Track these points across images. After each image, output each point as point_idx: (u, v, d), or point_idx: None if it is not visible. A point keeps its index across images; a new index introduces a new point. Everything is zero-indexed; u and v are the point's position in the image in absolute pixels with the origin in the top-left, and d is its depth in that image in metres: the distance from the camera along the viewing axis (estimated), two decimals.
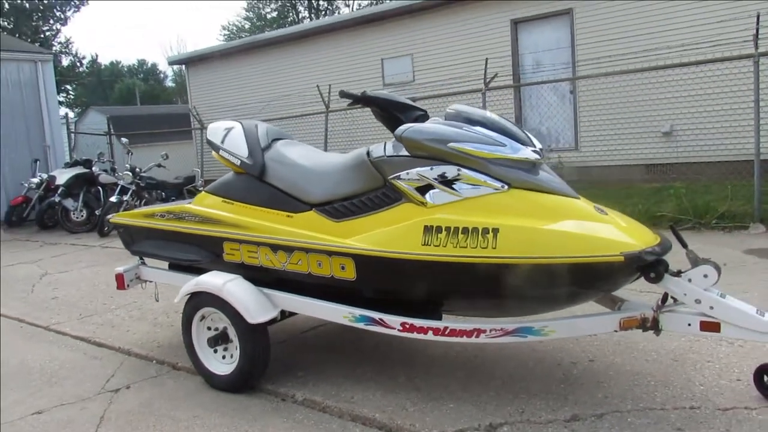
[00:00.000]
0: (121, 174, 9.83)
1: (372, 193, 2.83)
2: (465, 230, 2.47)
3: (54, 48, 46.26)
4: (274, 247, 2.95)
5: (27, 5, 42.97)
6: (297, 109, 11.15)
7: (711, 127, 8.31)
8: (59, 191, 10.09)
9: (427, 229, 2.54)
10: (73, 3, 44.98)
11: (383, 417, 2.61)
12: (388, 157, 2.78)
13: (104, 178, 10.45)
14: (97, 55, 61.46)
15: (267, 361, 3.02)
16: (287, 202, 3.09)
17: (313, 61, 12.62)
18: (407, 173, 2.69)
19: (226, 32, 41.00)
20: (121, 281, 3.65)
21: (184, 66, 15.20)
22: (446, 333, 2.58)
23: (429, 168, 2.66)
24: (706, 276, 2.40)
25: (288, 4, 39.49)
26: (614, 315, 2.57)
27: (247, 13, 41.14)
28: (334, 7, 38.15)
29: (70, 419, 2.87)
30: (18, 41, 13.67)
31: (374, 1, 34.41)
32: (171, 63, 15.67)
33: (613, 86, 8.83)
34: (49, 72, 12.24)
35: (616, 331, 2.55)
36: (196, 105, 14.29)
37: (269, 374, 3.11)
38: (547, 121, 9.98)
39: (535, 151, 2.69)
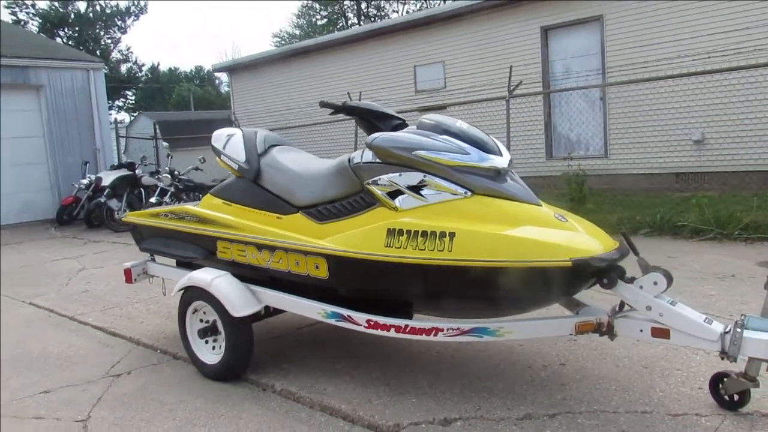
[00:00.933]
0: (161, 176, 10.31)
1: (352, 197, 3.01)
2: (424, 234, 2.61)
3: (114, 56, 48.49)
4: (259, 246, 3.16)
5: (91, 15, 45.10)
6: (328, 116, 11.43)
7: (744, 136, 8.12)
8: (105, 192, 10.67)
9: (390, 232, 2.70)
10: (133, 12, 46.96)
11: (348, 408, 2.77)
12: (364, 163, 2.95)
13: (146, 180, 10.97)
14: (158, 63, 63.73)
15: (250, 353, 3.22)
16: (278, 204, 3.30)
17: (346, 68, 12.90)
18: (380, 179, 2.86)
19: (278, 39, 42.04)
20: (128, 275, 3.93)
21: (227, 73, 15.76)
22: (407, 331, 2.72)
23: (398, 174, 2.81)
24: (656, 283, 2.46)
25: (338, 12, 40.17)
26: (570, 319, 2.66)
27: (298, 20, 42.09)
28: (383, 13, 38.59)
29: (72, 399, 3.15)
30: (72, 50, 14.49)
31: (423, 6, 34.70)
32: (215, 70, 16.26)
33: (643, 93, 8.74)
34: (100, 79, 12.93)
35: (571, 334, 2.64)
36: (238, 111, 14.80)
37: (256, 365, 3.32)
38: (576, 128, 9.92)
39: (501, 161, 2.81)
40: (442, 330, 2.66)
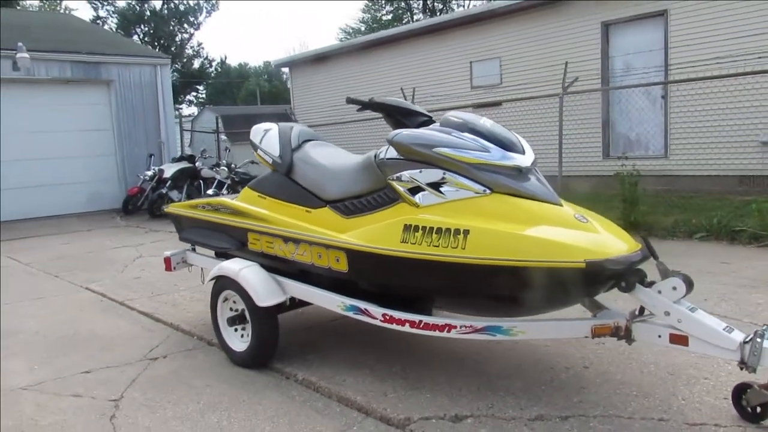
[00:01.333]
0: (219, 169, 10.67)
1: (377, 192, 3.05)
2: (439, 230, 2.62)
3: (187, 51, 50.33)
4: (285, 239, 3.25)
5: (165, 12, 46.94)
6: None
7: None
8: (167, 183, 11.15)
9: (407, 228, 2.72)
10: (205, 8, 48.54)
11: (363, 400, 2.82)
12: (387, 159, 2.98)
13: (205, 172, 11.38)
14: (225, 57, 65.62)
15: (275, 343, 3.32)
16: (308, 198, 3.38)
17: (402, 64, 12.93)
18: (402, 175, 2.89)
19: (344, 34, 42.46)
20: (168, 264, 4.12)
21: (288, 69, 16.10)
22: (421, 326, 2.74)
23: (419, 171, 2.83)
24: (675, 288, 2.39)
25: (403, 7, 40.24)
26: (587, 321, 2.61)
27: (364, 15, 42.40)
28: (448, 7, 38.35)
29: (109, 379, 3.34)
30: (141, 46, 15.14)
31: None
32: (277, 66, 16.63)
33: (708, 91, 8.34)
34: (167, 74, 13.48)
35: (587, 337, 2.58)
36: (297, 105, 15.09)
37: (283, 354, 3.43)
38: (636, 126, 9.59)
39: (524, 159, 2.78)
40: (455, 327, 2.67)
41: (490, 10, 11.19)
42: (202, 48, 56.17)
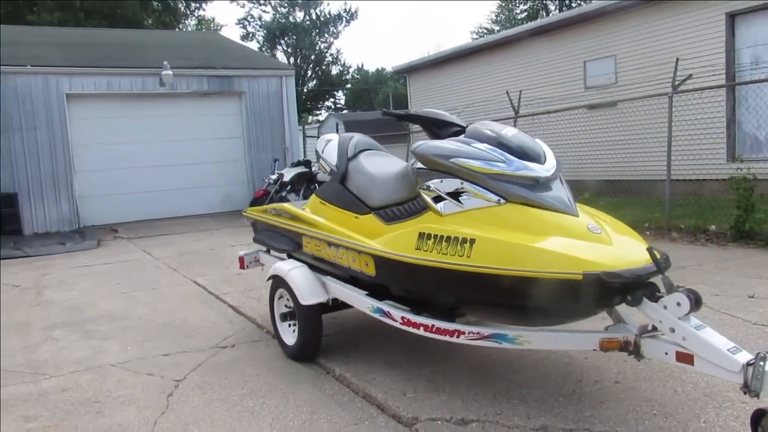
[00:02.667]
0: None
1: (412, 200, 3.19)
2: (449, 239, 2.72)
3: (326, 59, 52.88)
4: (328, 243, 3.50)
5: (307, 23, 49.66)
6: (492, 115, 11.44)
7: None
8: (287, 187, 11.95)
9: (421, 236, 2.84)
10: (344, 18, 50.67)
11: (382, 397, 2.98)
12: (417, 169, 3.12)
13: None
14: (362, 64, 67.85)
15: (317, 339, 3.57)
16: (357, 205, 3.60)
17: (514, 66, 12.74)
18: (427, 184, 3.01)
19: (475, 35, 42.25)
20: (241, 262, 4.54)
21: (406, 75, 16.48)
22: (434, 330, 2.85)
23: (440, 180, 2.94)
24: (679, 304, 2.29)
25: (538, 5, 39.27)
26: (596, 334, 2.57)
27: (497, 17, 41.92)
28: (583, 2, 36.81)
29: (180, 362, 3.79)
30: (269, 59, 16.29)
31: None
32: (395, 72, 17.07)
33: None
34: (291, 85, 14.40)
35: (595, 350, 2.55)
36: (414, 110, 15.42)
37: (331, 351, 3.68)
38: (767, 125, 8.69)
39: (541, 170, 2.78)
40: (464, 333, 2.74)
41: (603, 8, 10.68)
42: (341, 55, 58.57)
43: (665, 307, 2.33)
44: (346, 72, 54.87)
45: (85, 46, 14.30)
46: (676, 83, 7.48)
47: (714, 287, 4.73)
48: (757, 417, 2.28)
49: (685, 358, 2.30)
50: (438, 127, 3.31)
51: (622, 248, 2.52)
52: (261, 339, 4.18)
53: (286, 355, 3.74)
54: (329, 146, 4.00)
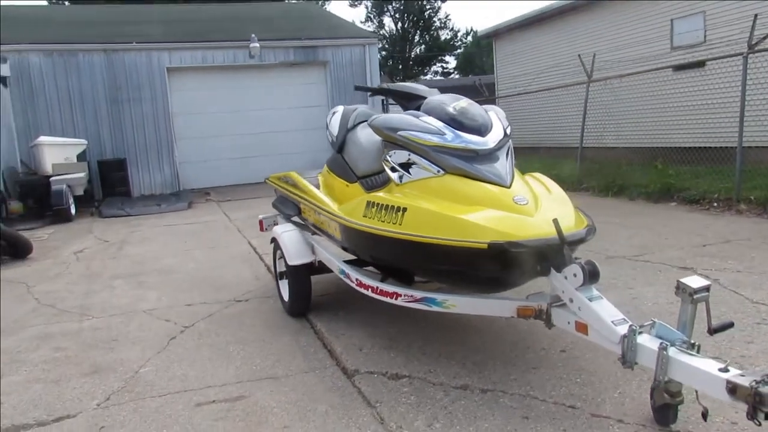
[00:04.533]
0: None
1: (384, 171, 3.40)
2: (387, 207, 2.91)
3: (434, 24, 52.27)
4: (315, 210, 3.78)
5: None
6: (567, 79, 11.02)
7: None
8: None
9: (368, 204, 3.05)
10: None
11: (340, 351, 3.27)
12: (383, 141, 3.31)
13: None
14: (471, 28, 66.30)
15: (306, 297, 3.90)
16: (348, 174, 3.85)
17: (597, 27, 12.09)
18: (386, 156, 3.21)
19: None
20: (261, 225, 4.94)
21: (492, 39, 16.11)
22: (378, 292, 3.07)
23: (393, 152, 3.12)
24: (575, 275, 2.36)
25: None
26: (513, 302, 2.68)
27: None
28: None
29: (196, 312, 4.28)
30: (353, 28, 16.52)
31: None
32: (481, 36, 16.72)
33: None
34: (374, 52, 14.66)
35: (513, 317, 2.66)
36: (500, 75, 15.12)
37: (325, 309, 3.99)
38: None
39: (481, 142, 2.88)
40: (401, 295, 2.95)
41: None
42: (449, 20, 57.66)
43: (566, 278, 2.40)
44: (455, 36, 54.01)
45: (183, 23, 15.38)
46: (753, 42, 6.89)
47: (743, 263, 4.51)
48: (652, 390, 2.32)
49: (582, 327, 2.37)
50: (407, 100, 3.46)
51: (539, 220, 2.59)
52: (272, 296, 4.58)
53: (284, 310, 4.11)
54: (334, 117, 4.25)
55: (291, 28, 15.05)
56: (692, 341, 2.06)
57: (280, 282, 4.22)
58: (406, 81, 24.50)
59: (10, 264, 6.58)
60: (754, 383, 1.73)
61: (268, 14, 16.64)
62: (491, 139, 2.91)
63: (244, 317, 4.08)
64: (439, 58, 54.11)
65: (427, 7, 51.33)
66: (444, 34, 53.20)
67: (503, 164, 2.87)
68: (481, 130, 2.94)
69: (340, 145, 4.01)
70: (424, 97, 3.41)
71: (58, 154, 10.97)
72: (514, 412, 2.47)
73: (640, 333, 2.14)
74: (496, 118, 3.11)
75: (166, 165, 13.48)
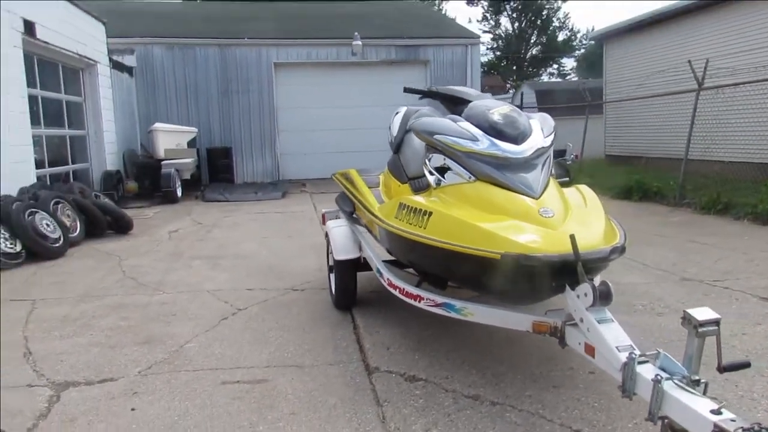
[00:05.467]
0: None
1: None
2: (415, 210, 2.93)
3: (552, 24, 50.63)
4: (363, 207, 3.87)
5: None
6: (677, 86, 10.30)
7: None
8: None
9: (399, 206, 3.09)
10: None
11: (368, 347, 3.35)
12: (425, 144, 3.34)
13: None
14: (593, 28, 63.52)
15: (351, 293, 3.99)
16: (401, 174, 3.92)
17: (713, 31, 11.18)
18: (425, 160, 3.24)
19: None
20: (323, 219, 5.08)
21: (602, 42, 15.37)
22: (403, 293, 3.11)
23: (432, 156, 3.15)
24: (586, 295, 2.26)
25: None
26: (530, 316, 2.61)
27: None
28: None
29: (253, 297, 4.51)
30: (456, 27, 16.39)
31: None
32: (590, 38, 16.00)
33: None
34: (477, 53, 14.53)
35: (528, 331, 2.60)
36: (609, 80, 14.45)
37: (370, 306, 4.08)
38: None
39: (514, 150, 2.83)
40: (423, 299, 2.96)
41: None
42: (568, 19, 55.57)
43: (578, 297, 2.31)
44: (573, 37, 51.99)
45: (291, 19, 16.03)
46: None
47: None
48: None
49: (590, 350, 2.27)
50: (454, 104, 3.45)
51: (561, 234, 2.50)
52: (328, 288, 4.72)
53: (332, 303, 4.24)
54: (396, 117, 4.33)
55: (394, 27, 15.25)
56: (697, 377, 1.92)
57: (330, 275, 4.35)
58: (520, 82, 24.09)
59: (113, 238, 7.25)
60: (740, 430, 1.59)
61: (372, 12, 16.95)
62: (527, 148, 2.85)
63: (294, 306, 4.24)
64: (556, 59, 52.31)
65: (546, 6, 49.78)
66: (562, 35, 51.37)
67: (536, 174, 2.80)
68: (518, 138, 2.88)
69: (397, 146, 4.06)
70: (468, 100, 3.40)
71: (171, 140, 11.87)
72: (515, 429, 2.42)
73: (643, 362, 2.02)
74: (539, 126, 3.04)
75: (267, 155, 14.16)
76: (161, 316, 4.06)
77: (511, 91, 21.64)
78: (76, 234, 6.70)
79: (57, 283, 5.05)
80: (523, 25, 50.21)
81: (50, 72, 9.62)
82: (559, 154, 11.15)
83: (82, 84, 10.77)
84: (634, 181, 9.56)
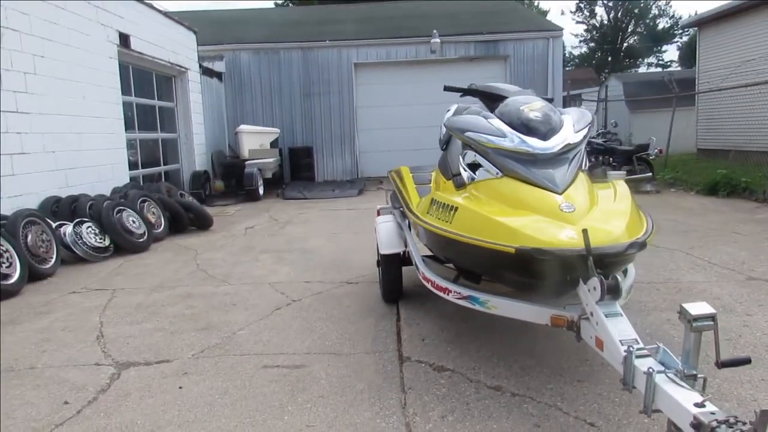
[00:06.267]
0: None
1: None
2: (444, 206, 3.02)
3: (652, 12, 48.09)
4: (404, 202, 3.98)
5: None
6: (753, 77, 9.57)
7: None
8: None
9: (432, 202, 3.18)
10: None
11: (406, 338, 3.45)
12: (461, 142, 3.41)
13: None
14: (696, 12, 59.72)
15: (397, 286, 4.11)
16: (447, 170, 4.00)
17: None
18: (461, 156, 3.31)
19: None
20: (377, 214, 5.22)
21: (696, 29, 14.48)
22: (435, 286, 3.19)
23: (465, 153, 3.22)
24: (595, 289, 2.27)
25: None
26: (548, 309, 2.62)
27: None
28: None
29: (309, 288, 4.73)
30: (537, 20, 16.00)
31: None
32: (683, 26, 15.09)
33: None
34: (558, 46, 14.15)
35: (548, 324, 2.61)
36: (702, 69, 13.65)
37: (416, 298, 4.19)
38: None
39: (541, 146, 2.85)
40: (451, 291, 3.04)
41: None
42: (669, 7, 52.58)
43: (589, 291, 2.32)
44: (675, 24, 49.08)
45: (370, 20, 16.31)
46: None
47: None
48: None
49: (599, 343, 2.27)
50: (492, 101, 3.48)
51: (579, 229, 2.50)
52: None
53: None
54: (446, 115, 4.40)
55: (473, 23, 15.16)
56: (694, 372, 1.89)
57: (379, 269, 4.49)
58: (613, 74, 23.19)
59: (194, 233, 7.77)
60: (714, 422, 1.57)
61: (450, 9, 16.92)
62: (555, 144, 2.85)
63: (346, 298, 4.42)
64: (655, 48, 49.61)
65: None
66: (662, 22, 48.64)
67: (563, 170, 2.80)
68: (546, 134, 2.89)
69: (445, 143, 4.13)
70: (505, 97, 3.42)
71: (254, 140, 12.47)
72: (529, 419, 2.46)
73: (644, 356, 2.01)
74: (571, 122, 3.02)
75: (347, 154, 14.52)
76: (222, 306, 4.36)
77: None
78: (160, 230, 7.25)
79: (138, 275, 5.52)
80: (619, 14, 48.09)
81: (144, 79, 10.41)
82: (642, 148, 10.74)
83: (174, 90, 11.55)
84: (720, 175, 9.02)
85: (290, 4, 34.72)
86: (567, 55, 50.81)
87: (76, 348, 3.58)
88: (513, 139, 2.89)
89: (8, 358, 3.44)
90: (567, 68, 46.93)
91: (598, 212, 2.62)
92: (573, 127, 3.00)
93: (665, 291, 4.24)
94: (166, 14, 10.80)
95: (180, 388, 2.95)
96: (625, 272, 3.14)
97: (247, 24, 16.49)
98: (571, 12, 46.14)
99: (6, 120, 6.25)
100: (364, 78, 14.38)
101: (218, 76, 13.89)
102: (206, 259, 6.10)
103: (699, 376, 1.89)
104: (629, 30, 49.15)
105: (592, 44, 49.85)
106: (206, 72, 12.99)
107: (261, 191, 11.71)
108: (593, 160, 10.87)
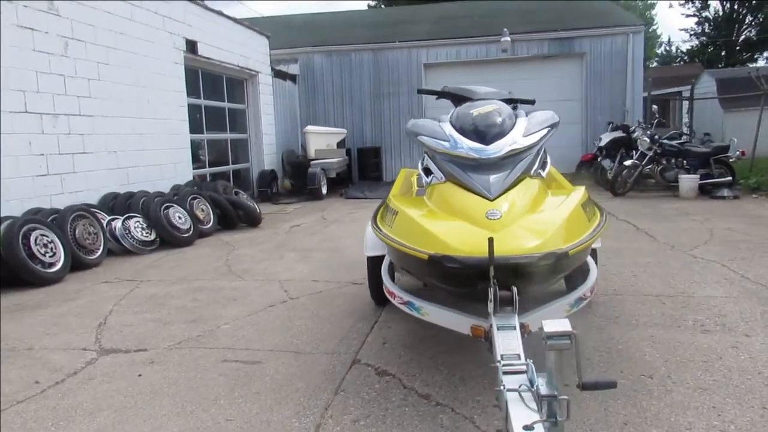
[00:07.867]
0: (640, 139, 10.35)
1: None
2: (390, 210, 3.01)
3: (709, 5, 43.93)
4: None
5: None
6: None
7: None
8: (603, 152, 11.53)
9: (385, 207, 3.17)
10: None
11: (369, 341, 3.46)
12: None
13: (641, 143, 11.10)
14: None
15: (379, 287, 4.08)
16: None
17: None
18: (420, 160, 3.29)
19: None
20: None
21: None
22: (387, 291, 3.16)
23: (423, 156, 3.20)
24: (490, 300, 2.19)
25: None
26: (469, 319, 2.54)
27: None
28: None
29: (313, 287, 4.83)
30: (618, 14, 15.13)
31: None
32: None
33: None
34: (639, 42, 13.37)
35: (469, 335, 2.54)
36: None
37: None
38: None
39: (481, 151, 2.78)
40: (396, 296, 3.02)
41: None
42: None
43: (490, 302, 2.24)
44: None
45: (441, 21, 16.19)
46: None
47: None
48: None
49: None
50: (461, 103, 3.41)
51: (499, 237, 2.40)
52: None
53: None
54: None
55: (547, 20, 14.67)
56: (554, 393, 1.78)
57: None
58: (706, 71, 21.54)
59: (242, 230, 8.13)
60: None
61: (523, 6, 16.43)
62: (498, 149, 2.77)
63: (340, 298, 4.48)
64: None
65: None
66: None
67: (501, 176, 2.71)
68: (491, 138, 2.81)
69: None
70: (472, 100, 3.35)
71: (321, 141, 12.80)
72: (437, 430, 2.40)
73: (514, 374, 1.91)
74: (522, 126, 2.91)
75: (415, 154, 14.50)
76: (223, 300, 4.56)
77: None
78: (208, 226, 7.65)
79: (171, 268, 5.87)
80: (734, 6, 44.44)
81: (215, 83, 10.99)
82: (721, 150, 9.96)
83: (246, 92, 12.10)
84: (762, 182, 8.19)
85: (382, 6, 35.22)
86: (675, 51, 47.81)
87: (76, 333, 3.89)
88: (456, 144, 2.83)
89: (15, 339, 3.81)
90: (674, 64, 44.03)
91: (528, 221, 2.52)
92: (524, 131, 2.89)
93: (671, 305, 3.94)
94: (236, 20, 11.34)
95: (139, 376, 3.14)
96: (582, 280, 2.99)
97: (322, 27, 16.93)
98: (680, 5, 43.07)
99: (69, 122, 6.86)
100: (433, 78, 14.32)
101: (292, 78, 14.37)
102: (237, 255, 6.37)
103: (561, 397, 1.78)
104: (746, 21, 45.35)
105: (703, 38, 46.43)
106: (279, 75, 13.48)
107: (324, 190, 12.00)
108: (664, 163, 10.21)
